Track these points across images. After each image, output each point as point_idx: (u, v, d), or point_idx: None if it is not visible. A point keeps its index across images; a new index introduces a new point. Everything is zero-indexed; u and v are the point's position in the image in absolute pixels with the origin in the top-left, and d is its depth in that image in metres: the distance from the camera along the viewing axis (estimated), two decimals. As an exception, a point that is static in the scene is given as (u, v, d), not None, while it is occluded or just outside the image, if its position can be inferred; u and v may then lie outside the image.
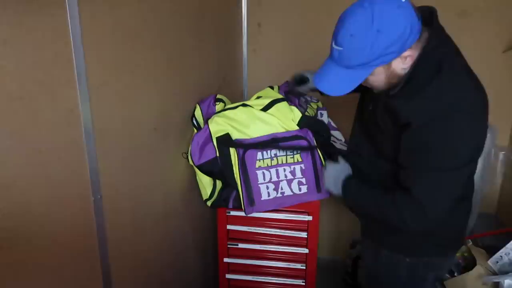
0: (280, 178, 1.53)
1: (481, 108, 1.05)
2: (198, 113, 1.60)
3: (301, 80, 1.56)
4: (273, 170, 1.52)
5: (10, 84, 0.78)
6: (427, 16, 1.07)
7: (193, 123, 1.59)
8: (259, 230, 1.66)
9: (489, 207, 2.20)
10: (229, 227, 1.66)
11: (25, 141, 0.83)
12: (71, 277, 1.00)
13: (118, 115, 1.12)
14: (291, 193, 1.55)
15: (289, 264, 1.69)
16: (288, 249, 1.67)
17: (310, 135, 1.55)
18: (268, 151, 1.51)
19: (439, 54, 1.03)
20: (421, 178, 1.06)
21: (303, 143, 1.53)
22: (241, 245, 1.68)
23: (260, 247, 1.68)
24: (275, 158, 1.51)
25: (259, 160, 1.50)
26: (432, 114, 1.00)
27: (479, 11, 1.98)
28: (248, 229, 1.66)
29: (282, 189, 1.54)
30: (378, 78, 1.07)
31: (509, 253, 1.47)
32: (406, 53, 1.01)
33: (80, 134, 0.98)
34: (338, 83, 1.06)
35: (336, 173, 1.30)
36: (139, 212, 1.28)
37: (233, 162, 1.51)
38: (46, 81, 0.86)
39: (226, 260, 1.71)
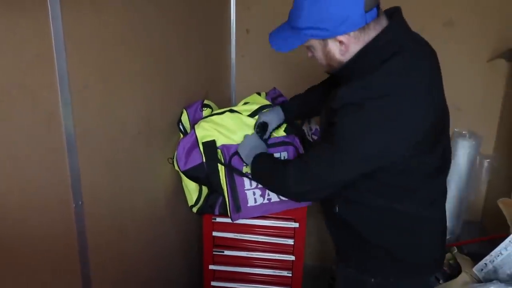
0: None
1: (405, 116, 0.97)
2: (184, 118, 1.59)
3: (263, 127, 1.48)
4: None
5: (-13, 86, 0.76)
6: (390, 14, 1.06)
7: (179, 128, 1.57)
8: (245, 237, 1.64)
9: (474, 214, 2.22)
10: (214, 233, 1.64)
11: (3, 145, 0.80)
12: (50, 283, 0.97)
13: (100, 119, 1.10)
14: (278, 199, 1.54)
15: (275, 272, 1.67)
16: (275, 256, 1.66)
17: (297, 141, 1.55)
18: None
19: (383, 54, 1.00)
20: (320, 148, 1.11)
21: (290, 149, 1.52)
22: (227, 252, 1.66)
23: (246, 254, 1.66)
24: None
25: (246, 165, 1.49)
26: (348, 100, 1.00)
27: (464, 21, 2.01)
28: (234, 236, 1.64)
29: (269, 195, 1.53)
30: (317, 54, 1.09)
31: (493, 261, 1.48)
32: (341, 38, 1.00)
33: (61, 139, 0.95)
34: (281, 40, 1.09)
35: (254, 144, 1.40)
36: (122, 219, 1.26)
37: (219, 167, 1.49)
38: (26, 83, 0.84)
39: (211, 267, 1.69)
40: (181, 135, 1.58)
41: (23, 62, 0.83)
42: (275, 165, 1.25)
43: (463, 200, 2.12)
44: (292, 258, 1.64)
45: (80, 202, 1.03)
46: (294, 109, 1.53)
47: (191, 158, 1.49)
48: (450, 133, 2.11)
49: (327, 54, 1.06)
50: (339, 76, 1.11)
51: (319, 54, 1.08)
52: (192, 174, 1.51)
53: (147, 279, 1.47)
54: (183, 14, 1.58)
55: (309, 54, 1.13)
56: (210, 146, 1.48)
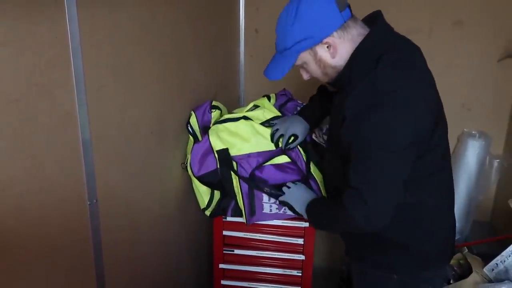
0: None
1: (415, 104, 1.01)
2: (193, 120, 1.58)
3: (293, 140, 1.46)
4: None
5: (7, 86, 0.78)
6: (371, 17, 1.11)
7: (188, 130, 1.57)
8: (255, 236, 1.65)
9: (484, 215, 2.21)
10: (225, 233, 1.65)
11: (21, 144, 0.82)
12: (65, 281, 0.99)
13: (115, 119, 1.11)
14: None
15: (285, 271, 1.67)
16: (284, 255, 1.66)
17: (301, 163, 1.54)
18: None
19: (377, 52, 1.04)
20: (357, 168, 1.05)
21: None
22: (237, 251, 1.67)
23: (256, 253, 1.67)
24: None
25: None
26: (361, 105, 1.02)
27: (474, 21, 2.00)
28: (244, 235, 1.65)
29: (285, 209, 1.51)
30: (311, 67, 1.12)
31: (504, 261, 1.47)
32: (327, 40, 1.05)
33: (77, 138, 0.97)
34: (274, 69, 1.14)
35: (304, 194, 1.35)
36: (135, 217, 1.27)
37: (233, 175, 1.50)
38: (43, 83, 0.86)
39: (221, 266, 1.70)
40: (190, 137, 1.58)
41: (41, 63, 0.84)
42: (333, 211, 1.18)
43: (472, 200, 2.11)
44: (302, 257, 1.64)
45: (95, 200, 1.05)
46: (314, 120, 1.49)
47: (205, 164, 1.49)
48: (459, 133, 2.13)
49: (320, 63, 1.09)
50: (340, 84, 1.13)
51: (313, 67, 1.11)
52: (205, 180, 1.51)
53: (159, 277, 1.48)
54: (193, 15, 1.59)
55: (305, 76, 1.17)
56: (224, 154, 1.48)
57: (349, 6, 1.07)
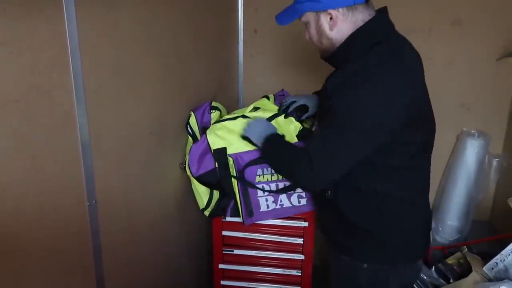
0: (280, 188, 1.53)
1: (390, 95, 1.05)
2: (193, 121, 1.58)
3: (303, 110, 1.53)
4: (273, 184, 1.52)
5: (6, 87, 0.78)
6: (377, 11, 1.16)
7: (188, 131, 1.57)
8: (254, 236, 1.65)
9: (483, 214, 2.21)
10: (224, 233, 1.65)
11: (20, 145, 0.82)
12: (64, 283, 0.99)
13: (114, 119, 1.11)
14: (290, 205, 1.55)
15: (285, 271, 1.67)
16: (284, 255, 1.66)
17: None
18: (268, 167, 1.50)
19: (373, 40, 1.10)
20: (320, 133, 1.15)
21: None
22: (236, 251, 1.67)
23: (256, 253, 1.67)
24: (275, 174, 1.51)
25: (259, 175, 1.50)
26: (342, 80, 1.09)
27: (473, 20, 2.00)
28: (244, 235, 1.65)
29: (281, 201, 1.54)
30: (311, 30, 1.18)
31: (504, 260, 1.47)
32: (331, 11, 1.11)
33: (76, 138, 0.97)
34: (283, 15, 1.21)
35: (265, 127, 1.38)
36: (134, 218, 1.27)
37: (231, 173, 1.50)
38: (42, 84, 0.85)
39: (221, 266, 1.70)
40: (190, 138, 1.58)
41: (40, 64, 0.84)
42: (291, 150, 1.25)
43: (472, 199, 2.12)
44: (302, 257, 1.64)
45: (94, 201, 1.04)
46: None
47: (204, 164, 1.48)
48: (458, 132, 2.13)
49: (319, 29, 1.16)
50: (334, 61, 1.19)
51: (312, 30, 1.18)
52: (204, 180, 1.51)
53: (158, 278, 1.48)
54: (193, 15, 1.59)
55: (307, 36, 1.22)
56: (221, 153, 1.48)
57: None
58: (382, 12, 1.15)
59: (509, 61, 2.00)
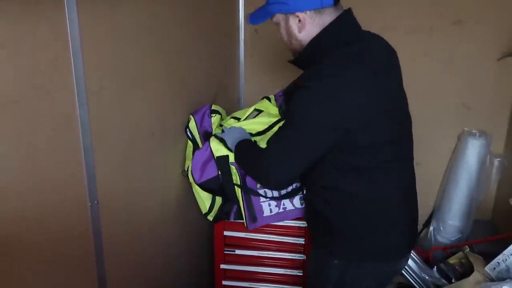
0: (282, 194, 1.53)
1: (343, 95, 1.07)
2: (192, 125, 1.56)
3: None
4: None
5: (7, 87, 0.78)
6: (346, 10, 1.18)
7: (187, 135, 1.56)
8: (256, 236, 1.65)
9: (485, 214, 2.21)
10: (226, 233, 1.65)
11: (21, 145, 0.82)
12: (66, 283, 0.99)
13: (115, 120, 1.11)
14: (293, 208, 1.55)
15: (286, 271, 1.67)
16: (285, 255, 1.66)
17: None
18: None
19: (336, 40, 1.13)
20: (278, 132, 1.23)
21: None
22: (238, 251, 1.67)
23: (257, 253, 1.67)
24: None
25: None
26: (300, 83, 1.11)
27: (473, 20, 2.00)
28: (245, 235, 1.65)
29: (284, 204, 1.54)
30: (281, 30, 1.21)
31: (506, 259, 1.47)
32: (299, 14, 1.13)
33: (77, 139, 0.97)
34: (255, 15, 1.24)
35: (238, 134, 1.46)
36: (135, 218, 1.27)
37: (234, 180, 1.50)
38: (43, 85, 0.85)
39: (222, 266, 1.70)
40: (189, 142, 1.57)
41: (41, 65, 0.84)
42: (254, 151, 1.35)
43: (473, 199, 2.11)
44: (303, 257, 1.64)
45: (96, 202, 1.05)
46: None
47: (207, 171, 1.48)
48: (460, 132, 2.13)
49: (288, 30, 1.18)
50: (299, 64, 1.22)
51: (282, 31, 1.21)
52: (207, 186, 1.51)
53: (159, 278, 1.48)
54: (193, 16, 1.59)
55: (279, 35, 1.24)
56: (224, 160, 1.48)
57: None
58: (346, 14, 1.16)
59: (510, 61, 2.00)
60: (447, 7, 2.00)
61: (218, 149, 1.48)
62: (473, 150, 2.06)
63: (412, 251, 1.85)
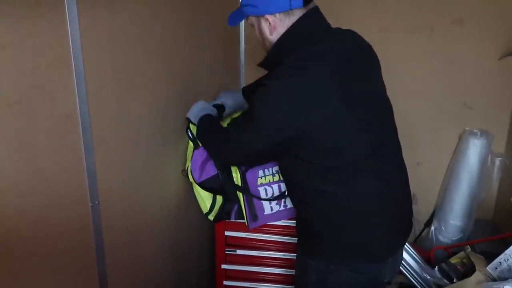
0: (283, 191, 1.53)
1: (295, 95, 1.07)
2: (193, 125, 1.54)
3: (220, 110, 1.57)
4: (275, 186, 1.52)
5: (8, 89, 0.78)
6: (312, 8, 1.18)
7: (188, 135, 1.56)
8: (257, 236, 1.65)
9: (486, 213, 2.20)
10: (227, 233, 1.65)
11: (22, 146, 0.82)
12: (67, 283, 0.99)
13: (116, 120, 1.11)
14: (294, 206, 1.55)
15: (288, 271, 1.67)
16: (287, 255, 1.66)
17: None
18: (270, 168, 1.50)
19: (294, 44, 1.14)
20: (239, 118, 1.30)
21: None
22: (239, 252, 1.67)
23: (258, 253, 1.67)
24: (276, 174, 1.51)
25: (261, 177, 1.50)
26: (264, 81, 1.13)
27: (474, 19, 2.00)
28: (246, 235, 1.65)
29: (285, 202, 1.54)
30: (256, 32, 1.23)
31: (508, 259, 1.47)
32: (268, 17, 1.15)
33: (78, 139, 0.97)
34: (232, 16, 1.27)
35: (202, 107, 1.48)
36: (136, 218, 1.27)
37: (235, 178, 1.50)
38: (44, 85, 0.86)
39: (224, 266, 1.70)
40: (190, 142, 1.57)
41: (41, 65, 0.84)
42: (216, 131, 1.38)
43: (474, 198, 2.11)
44: (304, 257, 1.64)
45: (97, 202, 1.05)
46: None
47: (206, 170, 1.48)
48: (461, 131, 2.13)
49: (261, 32, 1.20)
50: (266, 67, 1.26)
51: (256, 32, 1.23)
52: (207, 186, 1.51)
53: (160, 278, 1.48)
54: (194, 16, 1.59)
55: (257, 34, 1.26)
56: None
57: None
58: (310, 13, 1.15)
59: (511, 60, 2.00)
60: (448, 7, 2.00)
61: None
62: (474, 150, 2.06)
63: (413, 251, 1.85)
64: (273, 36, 1.18)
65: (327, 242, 1.23)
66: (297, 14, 1.14)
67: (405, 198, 1.31)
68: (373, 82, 1.23)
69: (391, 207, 1.23)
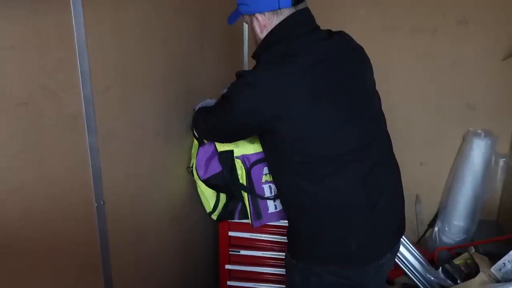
0: None
1: (272, 89, 1.09)
2: None
3: None
4: None
5: (15, 89, 0.78)
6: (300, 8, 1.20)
7: (193, 133, 1.57)
8: (261, 236, 1.65)
9: (490, 213, 2.20)
10: (230, 233, 1.65)
11: (28, 147, 0.82)
12: (72, 283, 0.99)
13: (121, 120, 1.12)
14: None
15: (291, 271, 1.67)
16: (290, 256, 1.66)
17: None
18: None
19: (278, 39, 1.17)
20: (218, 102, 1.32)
21: None
22: (242, 252, 1.67)
23: (262, 253, 1.67)
24: None
25: (266, 174, 1.50)
26: (241, 72, 1.18)
27: (478, 20, 2.00)
28: (250, 235, 1.65)
29: None
30: (249, 29, 1.28)
31: (512, 260, 1.47)
32: (258, 16, 1.18)
33: (84, 139, 0.97)
34: (231, 15, 1.30)
35: (207, 102, 1.55)
36: (141, 218, 1.28)
37: (240, 175, 1.50)
38: (50, 86, 0.86)
39: (227, 267, 1.70)
40: (195, 141, 1.58)
41: (47, 66, 0.85)
42: (199, 113, 1.46)
43: (478, 199, 2.11)
44: (308, 257, 1.64)
45: (102, 202, 1.05)
46: None
47: (211, 166, 1.48)
48: (465, 132, 2.12)
49: (253, 30, 1.24)
50: (257, 59, 1.25)
51: (250, 30, 1.27)
52: (211, 183, 1.51)
53: (165, 277, 1.48)
54: (198, 16, 1.59)
55: (250, 32, 1.30)
56: (227, 155, 1.48)
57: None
58: (296, 13, 1.17)
59: (516, 61, 1.99)
60: (452, 7, 2.00)
61: (223, 144, 1.48)
62: (478, 150, 2.05)
63: (416, 251, 1.85)
64: (262, 34, 1.21)
65: (305, 243, 1.23)
66: (285, 13, 1.17)
67: (393, 202, 1.24)
68: (360, 83, 1.21)
69: (373, 211, 1.17)
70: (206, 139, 1.50)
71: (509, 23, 1.97)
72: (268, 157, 1.30)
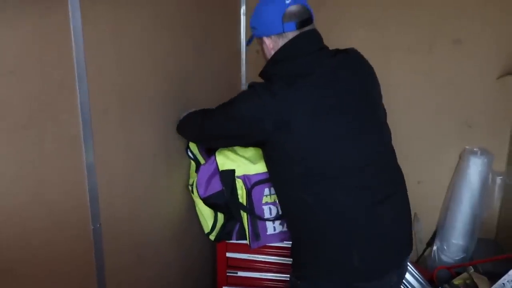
0: None
1: (272, 102, 1.13)
2: (192, 144, 1.56)
3: None
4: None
5: (16, 113, 0.78)
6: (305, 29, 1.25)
7: (188, 155, 1.56)
8: (258, 257, 1.63)
9: (488, 232, 2.19)
10: (228, 254, 1.64)
11: (26, 170, 0.82)
12: (68, 308, 0.98)
13: (119, 142, 1.12)
14: None
15: (289, 292, 1.65)
16: (288, 277, 1.64)
17: None
18: None
19: (285, 57, 1.22)
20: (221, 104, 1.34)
21: None
22: (240, 273, 1.65)
23: (260, 275, 1.65)
24: None
25: (266, 195, 1.50)
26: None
27: (473, 39, 2.02)
28: (248, 256, 1.63)
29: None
30: (261, 50, 1.33)
31: (511, 280, 1.46)
32: (266, 40, 1.26)
33: (81, 161, 0.97)
34: (249, 38, 1.37)
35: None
36: (138, 240, 1.26)
37: (240, 195, 1.50)
38: (49, 108, 0.86)
39: (225, 288, 1.68)
40: (192, 162, 1.58)
41: (47, 88, 0.85)
42: (190, 114, 1.47)
43: (476, 217, 2.10)
44: (306, 278, 1.62)
45: (98, 225, 1.04)
46: None
47: (212, 185, 1.48)
48: (461, 150, 2.13)
49: (263, 51, 1.31)
50: (264, 78, 1.30)
51: (261, 52, 1.34)
52: (211, 201, 1.50)
53: (162, 301, 1.46)
54: (199, 35, 1.61)
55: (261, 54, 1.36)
56: (228, 174, 1.48)
57: (301, 22, 1.22)
58: (300, 35, 1.22)
59: (510, 79, 2.02)
60: (447, 26, 2.03)
61: (224, 163, 1.48)
62: (475, 169, 2.06)
63: (415, 271, 1.83)
64: (270, 54, 1.27)
65: (308, 258, 1.22)
66: (290, 36, 1.22)
67: (399, 217, 1.23)
68: (364, 98, 1.22)
69: (376, 225, 1.16)
70: (191, 140, 1.52)
71: (503, 42, 2.00)
72: (270, 169, 1.31)
